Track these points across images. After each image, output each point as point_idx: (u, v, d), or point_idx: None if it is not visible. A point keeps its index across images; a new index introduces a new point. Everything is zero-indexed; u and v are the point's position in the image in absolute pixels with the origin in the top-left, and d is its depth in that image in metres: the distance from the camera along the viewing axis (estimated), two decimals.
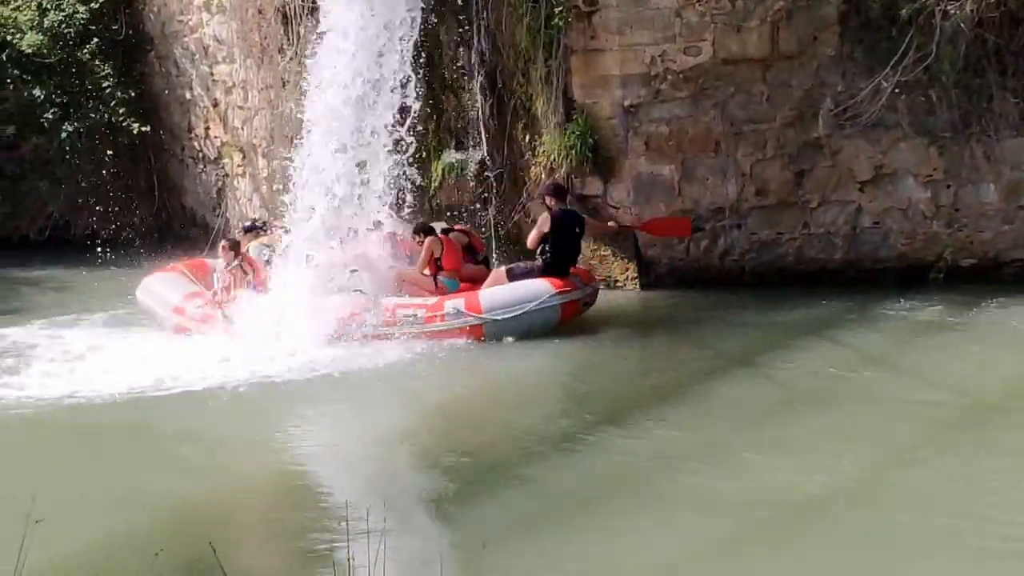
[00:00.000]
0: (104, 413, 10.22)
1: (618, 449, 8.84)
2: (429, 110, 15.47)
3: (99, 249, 18.42)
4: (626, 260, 14.89)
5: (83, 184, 21.41)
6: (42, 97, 20.92)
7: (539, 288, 12.60)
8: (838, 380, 10.71)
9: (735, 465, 8.31)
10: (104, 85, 21.11)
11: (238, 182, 20.33)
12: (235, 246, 14.17)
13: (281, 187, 15.78)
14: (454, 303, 12.63)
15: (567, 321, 12.65)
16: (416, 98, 13.45)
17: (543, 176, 14.99)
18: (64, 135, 20.84)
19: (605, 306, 13.62)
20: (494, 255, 15.69)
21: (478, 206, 15.61)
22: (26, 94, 20.89)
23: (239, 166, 20.18)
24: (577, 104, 14.64)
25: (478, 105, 15.40)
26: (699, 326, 13.00)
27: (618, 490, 7.96)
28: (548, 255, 12.90)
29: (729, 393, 10.37)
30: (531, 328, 12.43)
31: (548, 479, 8.19)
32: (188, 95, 21.01)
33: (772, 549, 6.81)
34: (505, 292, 12.69)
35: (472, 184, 15.66)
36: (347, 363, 11.65)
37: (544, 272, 12.80)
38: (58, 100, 21.02)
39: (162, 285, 14.41)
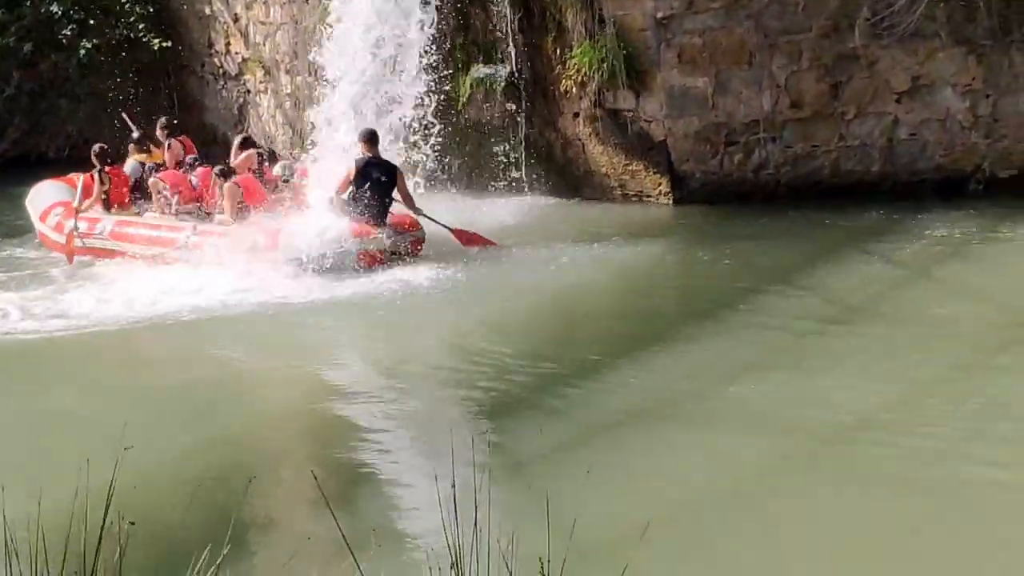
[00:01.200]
0: (182, 337, 10.22)
1: (653, 368, 8.76)
2: (456, 24, 15.20)
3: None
4: (658, 175, 14.70)
5: (102, 101, 21.20)
6: (59, 13, 20.73)
7: (338, 233, 12.35)
8: (878, 296, 10.61)
9: (774, 385, 8.23)
10: (122, 0, 20.82)
11: (260, 98, 20.11)
12: (100, 154, 13.87)
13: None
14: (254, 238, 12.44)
15: (370, 267, 12.19)
16: (442, 11, 13.23)
17: (574, 89, 14.77)
18: (82, 52, 20.64)
19: (638, 222, 13.45)
20: (523, 172, 15.55)
21: (507, 121, 15.40)
22: (43, 11, 20.66)
23: (261, 82, 19.94)
24: (608, 16, 14.33)
25: (507, 18, 15.14)
26: (734, 242, 12.84)
27: (655, 411, 7.88)
28: (352, 201, 12.67)
29: (766, 310, 10.26)
30: (328, 269, 12.10)
31: (584, 403, 8.11)
32: (207, 10, 20.69)
33: (808, 472, 6.77)
34: (305, 232, 12.42)
35: (501, 99, 15.43)
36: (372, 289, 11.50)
37: (352, 216, 12.55)
38: (76, 16, 20.82)
39: (43, 193, 14.19)
